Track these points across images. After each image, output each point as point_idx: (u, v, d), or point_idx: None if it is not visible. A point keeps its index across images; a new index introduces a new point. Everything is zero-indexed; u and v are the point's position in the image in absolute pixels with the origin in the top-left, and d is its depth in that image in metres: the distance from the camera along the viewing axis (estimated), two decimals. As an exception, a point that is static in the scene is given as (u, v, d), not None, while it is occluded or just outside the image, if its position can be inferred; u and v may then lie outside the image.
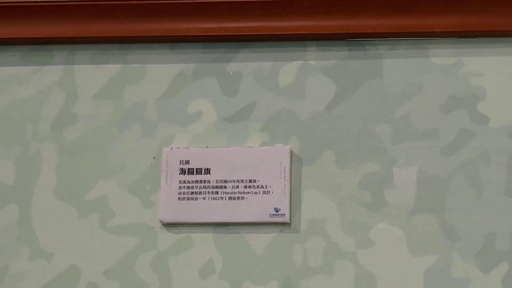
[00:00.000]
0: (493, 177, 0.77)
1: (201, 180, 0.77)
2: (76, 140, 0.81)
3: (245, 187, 0.77)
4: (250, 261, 0.76)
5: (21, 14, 0.83)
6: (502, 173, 0.78)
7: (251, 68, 0.82)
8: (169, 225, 0.78)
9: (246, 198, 0.76)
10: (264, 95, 0.81)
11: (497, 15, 0.79)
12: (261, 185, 0.77)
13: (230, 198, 0.76)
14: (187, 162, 0.78)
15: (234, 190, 0.77)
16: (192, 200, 0.77)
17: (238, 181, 0.77)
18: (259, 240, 0.77)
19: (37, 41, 0.83)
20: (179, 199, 0.77)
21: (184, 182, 0.77)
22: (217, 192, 0.76)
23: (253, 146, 0.79)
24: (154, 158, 0.79)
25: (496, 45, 0.81)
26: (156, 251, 0.77)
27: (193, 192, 0.77)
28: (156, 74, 0.83)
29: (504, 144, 0.78)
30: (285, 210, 0.76)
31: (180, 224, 0.78)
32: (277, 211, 0.76)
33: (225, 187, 0.77)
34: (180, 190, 0.77)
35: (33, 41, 0.83)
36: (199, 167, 0.78)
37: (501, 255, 0.75)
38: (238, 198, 0.76)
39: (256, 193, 0.76)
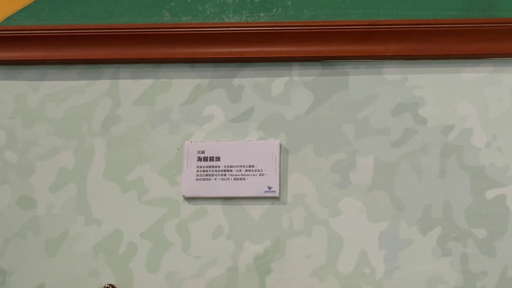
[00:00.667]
0: (429, 164, 0.81)
1: (213, 166, 0.82)
2: (120, 135, 0.85)
3: (246, 170, 0.81)
4: (249, 226, 0.81)
5: (78, 41, 0.86)
6: (436, 161, 0.81)
7: (250, 82, 0.86)
8: (189, 199, 0.82)
9: (247, 178, 0.81)
10: (260, 102, 0.85)
11: (432, 44, 0.84)
12: (258, 169, 0.81)
13: (234, 179, 0.81)
14: (203, 152, 0.82)
15: (237, 173, 0.81)
16: (206, 180, 0.81)
17: (240, 166, 0.81)
18: (256, 210, 0.81)
19: (90, 61, 0.87)
20: (196, 180, 0.81)
21: (200, 167, 0.82)
22: (225, 174, 0.81)
23: (252, 140, 0.83)
24: (178, 149, 0.84)
25: (432, 65, 0.85)
26: (180, 219, 0.81)
27: (207, 174, 0.82)
28: (180, 86, 0.86)
29: (438, 139, 0.81)
30: (275, 187, 0.80)
31: (197, 198, 0.82)
32: (269, 189, 0.80)
33: (231, 170, 0.81)
34: (197, 172, 0.82)
35: (87, 62, 0.87)
36: (211, 156, 0.82)
37: (436, 222, 0.79)
38: (240, 179, 0.81)
39: (254, 175, 0.81)
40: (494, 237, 0.78)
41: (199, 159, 0.83)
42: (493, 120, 0.82)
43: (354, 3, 0.87)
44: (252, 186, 0.82)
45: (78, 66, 0.88)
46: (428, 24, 0.84)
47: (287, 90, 0.85)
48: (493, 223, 0.79)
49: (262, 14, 0.87)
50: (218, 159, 0.83)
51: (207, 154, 0.83)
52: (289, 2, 0.87)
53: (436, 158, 0.81)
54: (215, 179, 0.82)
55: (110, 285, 0.79)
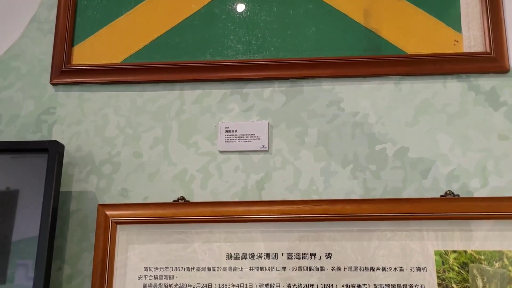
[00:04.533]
0: (346, 132, 0.80)
1: (233, 134, 0.82)
2: (185, 119, 0.84)
3: (251, 137, 0.82)
4: (253, 165, 0.81)
5: (162, 70, 0.85)
6: (349, 130, 0.80)
7: (252, 91, 0.85)
8: (221, 152, 0.82)
9: (251, 141, 0.82)
10: (258, 101, 0.84)
11: (348, 69, 0.82)
12: (257, 136, 0.82)
13: (245, 141, 0.82)
14: (228, 127, 0.83)
15: (246, 138, 0.82)
16: (230, 142, 0.82)
17: (248, 134, 0.82)
18: (256, 157, 0.82)
19: (169, 81, 0.86)
20: (225, 141, 0.82)
21: (227, 135, 0.82)
22: (239, 139, 0.82)
23: (254, 121, 0.83)
24: (215, 126, 0.83)
25: (348, 81, 0.83)
26: (216, 162, 0.82)
27: (230, 138, 0.82)
28: (216, 93, 0.85)
29: (351, 119, 0.81)
30: (266, 146, 0.82)
31: (225, 151, 0.82)
32: (263, 146, 0.82)
33: (243, 136, 0.82)
34: (226, 138, 0.82)
35: (167, 81, 0.85)
36: (232, 129, 0.83)
37: (350, 162, 0.79)
38: (248, 141, 0.82)
39: (255, 139, 0.82)
40: (379, 169, 0.79)
41: (226, 131, 0.83)
42: (379, 109, 0.82)
43: (306, 49, 0.85)
44: (254, 145, 0.82)
45: (163, 83, 0.87)
46: (346, 58, 0.83)
47: (272, 94, 0.85)
48: (377, 162, 0.79)
49: (258, 55, 0.86)
50: (236, 131, 0.83)
51: (231, 128, 0.83)
52: (272, 48, 0.85)
53: (349, 129, 0.81)
54: (234, 141, 0.82)
55: (182, 197, 0.79)
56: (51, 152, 0.75)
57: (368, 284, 0.71)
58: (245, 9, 0.87)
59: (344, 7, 0.84)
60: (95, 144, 0.84)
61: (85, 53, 0.87)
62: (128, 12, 0.88)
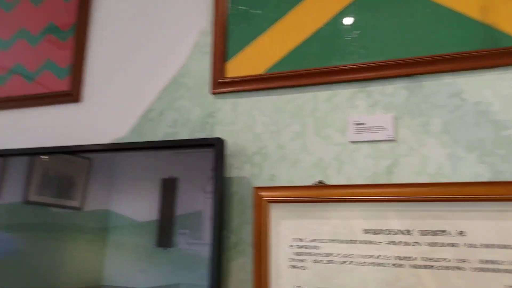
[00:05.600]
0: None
1: (362, 127, 0.83)
2: (318, 116, 0.87)
3: (378, 128, 0.82)
4: (380, 153, 0.81)
5: (296, 77, 0.89)
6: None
7: (375, 88, 0.85)
8: (352, 142, 0.83)
9: (379, 132, 0.82)
10: (381, 97, 0.83)
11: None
12: (384, 127, 0.82)
13: (372, 132, 0.82)
14: (357, 121, 0.84)
15: (374, 130, 0.82)
16: (360, 133, 0.82)
17: (375, 126, 0.82)
18: (384, 146, 0.81)
19: (302, 85, 0.89)
20: (354, 133, 0.83)
21: (356, 128, 0.83)
22: (368, 131, 0.82)
23: (380, 114, 0.82)
24: (345, 120, 0.85)
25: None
26: (348, 151, 0.83)
27: (360, 131, 0.83)
28: (343, 93, 0.86)
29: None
30: (392, 135, 0.81)
31: (356, 141, 0.83)
32: (389, 136, 0.81)
33: (371, 128, 0.82)
34: (355, 130, 0.83)
35: (301, 85, 0.89)
36: (361, 122, 0.84)
37: (474, 148, 0.77)
38: (376, 132, 0.82)
39: (382, 130, 0.82)
40: (508, 154, 0.75)
41: (355, 124, 0.84)
42: (503, 97, 0.76)
43: (424, 47, 0.83)
44: (381, 135, 0.81)
45: (298, 87, 0.90)
46: (465, 53, 0.80)
47: (394, 91, 0.83)
48: (505, 147, 0.75)
49: (378, 57, 0.85)
50: (364, 124, 0.83)
51: (359, 121, 0.83)
52: (391, 50, 0.84)
53: (473, 117, 0.78)
54: (363, 132, 0.83)
55: (321, 180, 0.82)
56: (216, 146, 0.83)
57: (504, 261, 0.69)
58: (365, 20, 0.89)
59: (461, 7, 0.83)
60: (247, 139, 0.90)
61: (236, 68, 0.95)
62: (266, 32, 0.95)
